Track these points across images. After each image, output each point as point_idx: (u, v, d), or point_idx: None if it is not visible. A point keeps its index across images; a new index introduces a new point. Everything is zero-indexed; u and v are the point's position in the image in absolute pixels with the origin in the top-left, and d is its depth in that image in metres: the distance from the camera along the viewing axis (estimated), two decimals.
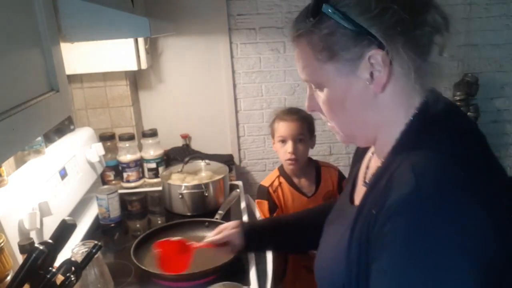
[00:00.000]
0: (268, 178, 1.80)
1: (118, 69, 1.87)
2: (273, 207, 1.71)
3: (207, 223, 1.49)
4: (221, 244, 1.09)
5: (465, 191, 0.57)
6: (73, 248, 0.99)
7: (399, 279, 0.57)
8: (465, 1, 2.30)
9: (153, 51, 2.21)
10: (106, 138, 1.94)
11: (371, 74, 0.65)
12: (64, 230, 0.84)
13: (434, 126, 0.66)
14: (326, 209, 0.93)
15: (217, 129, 2.39)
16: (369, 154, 0.84)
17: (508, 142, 2.55)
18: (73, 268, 0.86)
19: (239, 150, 2.44)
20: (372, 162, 0.81)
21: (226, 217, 1.56)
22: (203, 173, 1.79)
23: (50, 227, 1.21)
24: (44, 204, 1.23)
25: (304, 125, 1.67)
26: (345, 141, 0.77)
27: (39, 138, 1.40)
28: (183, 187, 1.62)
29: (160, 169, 1.99)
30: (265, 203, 1.71)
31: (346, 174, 1.32)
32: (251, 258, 1.29)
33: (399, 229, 0.57)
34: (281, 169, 1.78)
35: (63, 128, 1.70)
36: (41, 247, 0.79)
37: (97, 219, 1.63)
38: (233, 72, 2.32)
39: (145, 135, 1.99)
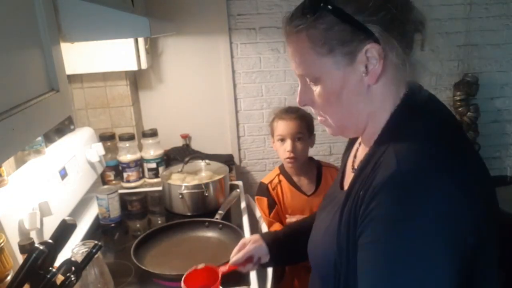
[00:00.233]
0: (268, 176, 1.81)
1: (118, 69, 1.87)
2: (272, 204, 1.72)
3: (207, 223, 1.49)
4: (245, 261, 1.04)
5: (442, 170, 0.63)
6: (73, 248, 0.99)
7: (384, 248, 0.63)
8: (465, 1, 2.30)
9: (153, 51, 2.21)
10: (106, 138, 1.94)
11: (366, 67, 0.70)
12: (64, 230, 0.84)
13: (416, 115, 0.73)
14: None
15: (217, 129, 2.39)
16: (356, 144, 0.90)
17: (508, 142, 2.55)
18: (73, 268, 0.86)
19: (239, 150, 2.44)
20: (359, 151, 0.87)
21: (226, 217, 1.56)
22: (203, 173, 1.80)
23: (50, 227, 1.21)
24: (44, 204, 1.23)
25: (302, 124, 1.68)
26: (335, 134, 0.81)
27: (39, 138, 1.40)
28: (183, 187, 1.62)
29: (160, 169, 1.99)
30: (264, 200, 1.73)
31: None
32: None
33: (382, 204, 0.64)
34: (281, 167, 1.79)
35: (63, 128, 1.70)
36: (41, 247, 0.79)
37: (97, 219, 1.63)
38: (233, 72, 2.32)
39: (145, 135, 1.99)
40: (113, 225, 1.60)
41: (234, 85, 2.34)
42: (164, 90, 2.30)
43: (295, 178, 1.76)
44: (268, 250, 1.05)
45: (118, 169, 1.96)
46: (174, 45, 2.25)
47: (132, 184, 1.96)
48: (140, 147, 2.02)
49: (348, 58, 0.70)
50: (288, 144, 1.67)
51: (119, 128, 2.05)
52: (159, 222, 1.67)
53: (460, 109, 2.39)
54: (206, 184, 1.63)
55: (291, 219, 1.66)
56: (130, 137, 1.93)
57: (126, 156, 1.92)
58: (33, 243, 0.95)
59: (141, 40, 1.90)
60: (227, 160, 2.16)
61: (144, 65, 1.92)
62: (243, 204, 1.72)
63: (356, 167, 0.83)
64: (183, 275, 0.98)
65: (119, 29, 1.15)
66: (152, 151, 1.98)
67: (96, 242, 0.95)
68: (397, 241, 0.62)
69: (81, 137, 1.77)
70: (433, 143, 0.68)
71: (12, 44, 0.68)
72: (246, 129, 2.42)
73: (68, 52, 1.69)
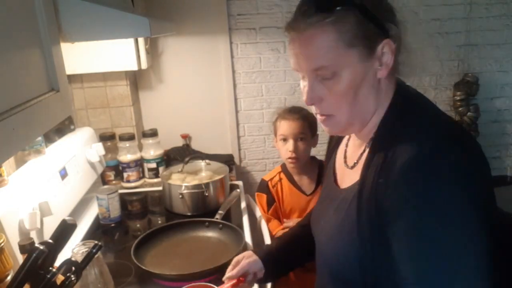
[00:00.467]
0: (270, 173, 1.83)
1: (118, 69, 1.87)
2: (271, 201, 1.75)
3: (207, 223, 1.49)
4: (240, 278, 1.03)
5: (462, 148, 0.70)
6: (73, 248, 0.99)
7: (425, 231, 0.67)
8: (465, 1, 2.30)
9: (153, 51, 2.21)
10: (106, 138, 1.94)
11: (379, 61, 0.76)
12: (64, 230, 0.84)
13: (414, 103, 0.79)
14: None
15: (217, 129, 2.39)
16: (343, 142, 0.95)
17: (508, 142, 2.55)
18: (73, 268, 0.86)
19: (239, 150, 2.44)
20: (350, 148, 0.91)
21: (226, 217, 1.56)
22: (203, 173, 1.80)
23: (50, 227, 1.21)
24: (44, 204, 1.23)
25: (305, 124, 1.69)
26: (336, 133, 0.86)
27: (39, 138, 1.40)
28: (183, 187, 1.62)
29: (160, 169, 1.99)
30: (264, 197, 1.75)
31: None
32: None
33: (413, 184, 0.68)
34: (283, 166, 1.81)
35: (63, 128, 1.70)
36: (41, 247, 0.79)
37: (97, 219, 1.63)
38: (233, 72, 2.32)
39: (145, 135, 1.99)
40: (113, 225, 1.60)
41: (234, 85, 2.34)
42: (164, 90, 2.30)
43: (296, 177, 1.76)
44: (263, 264, 1.05)
45: (118, 169, 1.96)
46: (174, 45, 2.25)
47: (132, 184, 1.96)
48: (140, 147, 2.02)
49: (368, 52, 0.75)
50: (290, 144, 1.67)
51: (119, 128, 2.05)
52: (159, 222, 1.67)
53: (460, 109, 2.39)
54: (206, 184, 1.63)
55: (288, 224, 1.67)
56: (130, 137, 1.93)
57: (126, 156, 1.92)
58: (33, 243, 0.95)
59: (141, 40, 1.90)
60: (227, 160, 2.16)
61: (144, 65, 1.92)
62: (243, 204, 1.72)
63: (349, 163, 0.88)
64: (183, 275, 0.97)
65: (119, 29, 1.15)
66: (152, 151, 1.98)
67: (96, 242, 0.95)
68: (434, 221, 0.66)
69: (81, 137, 1.77)
70: (440, 125, 0.75)
71: (12, 44, 0.68)
72: (246, 129, 2.42)
73: (68, 52, 1.69)
